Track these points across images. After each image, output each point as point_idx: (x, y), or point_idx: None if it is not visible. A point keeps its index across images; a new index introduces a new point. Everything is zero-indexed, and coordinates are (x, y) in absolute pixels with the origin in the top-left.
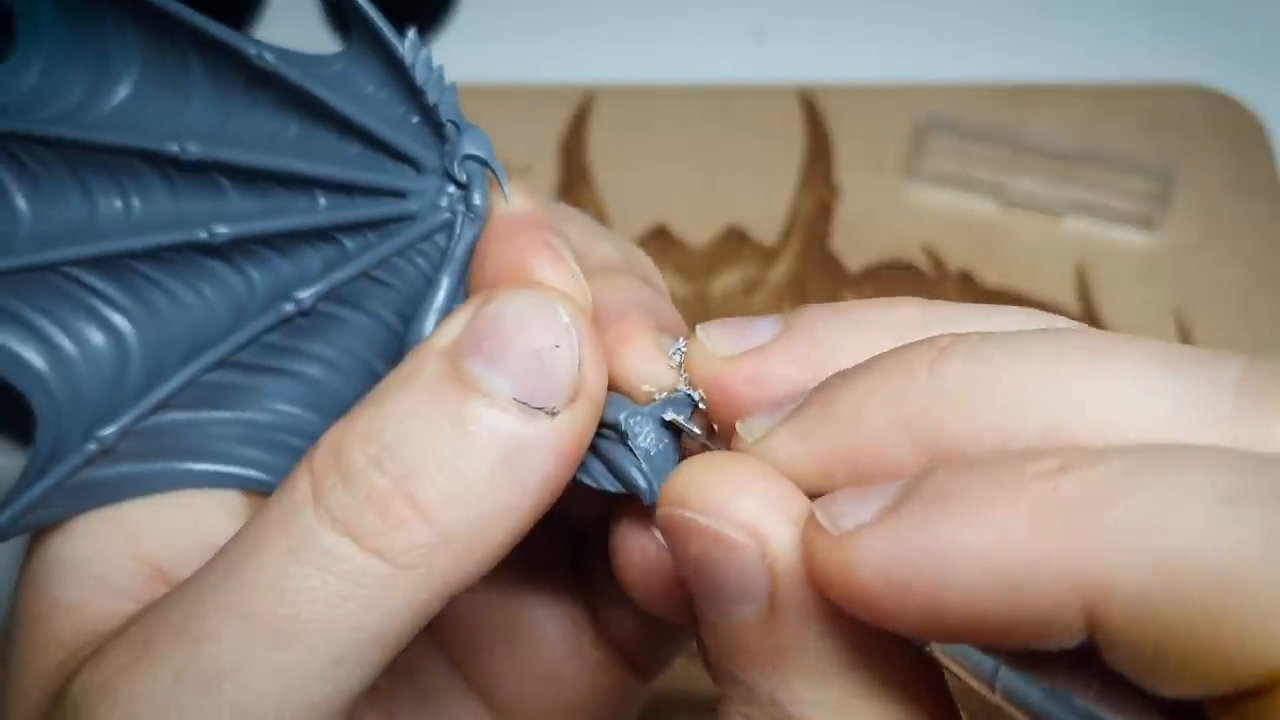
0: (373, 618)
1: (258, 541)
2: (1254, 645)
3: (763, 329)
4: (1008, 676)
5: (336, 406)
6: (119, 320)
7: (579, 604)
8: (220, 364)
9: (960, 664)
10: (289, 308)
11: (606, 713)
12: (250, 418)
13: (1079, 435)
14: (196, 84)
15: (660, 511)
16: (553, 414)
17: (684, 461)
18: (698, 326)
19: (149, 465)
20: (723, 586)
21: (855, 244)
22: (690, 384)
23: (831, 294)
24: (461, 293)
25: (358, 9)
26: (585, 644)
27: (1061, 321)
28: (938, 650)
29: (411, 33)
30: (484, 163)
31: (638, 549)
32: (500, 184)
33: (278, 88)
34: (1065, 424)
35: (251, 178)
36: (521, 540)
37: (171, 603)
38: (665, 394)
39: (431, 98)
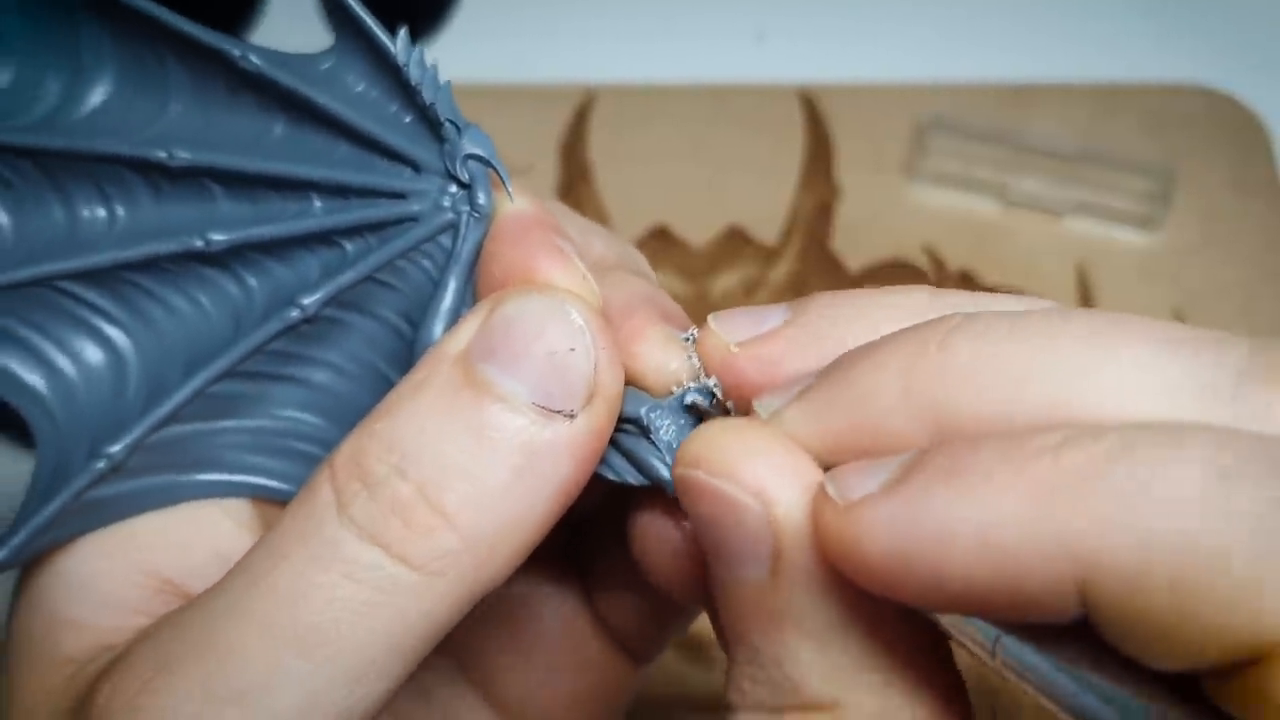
0: (398, 626)
1: (279, 552)
2: (1240, 618)
3: (773, 316)
4: (1009, 644)
5: (345, 411)
6: (115, 334)
7: (576, 594)
8: (227, 373)
9: (961, 631)
10: (294, 314)
11: (605, 700)
12: (258, 425)
13: (1082, 413)
14: (175, 86)
15: (675, 470)
16: (571, 416)
17: (702, 424)
18: (710, 316)
19: (158, 479)
20: (730, 546)
21: (856, 244)
22: (705, 374)
23: None
24: (469, 294)
25: (347, 8)
26: (584, 633)
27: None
28: (939, 617)
29: (403, 32)
30: (486, 162)
31: (658, 536)
32: (504, 183)
33: (263, 90)
34: (1069, 401)
35: (242, 182)
36: None
37: (191, 617)
38: (682, 387)
39: (427, 97)
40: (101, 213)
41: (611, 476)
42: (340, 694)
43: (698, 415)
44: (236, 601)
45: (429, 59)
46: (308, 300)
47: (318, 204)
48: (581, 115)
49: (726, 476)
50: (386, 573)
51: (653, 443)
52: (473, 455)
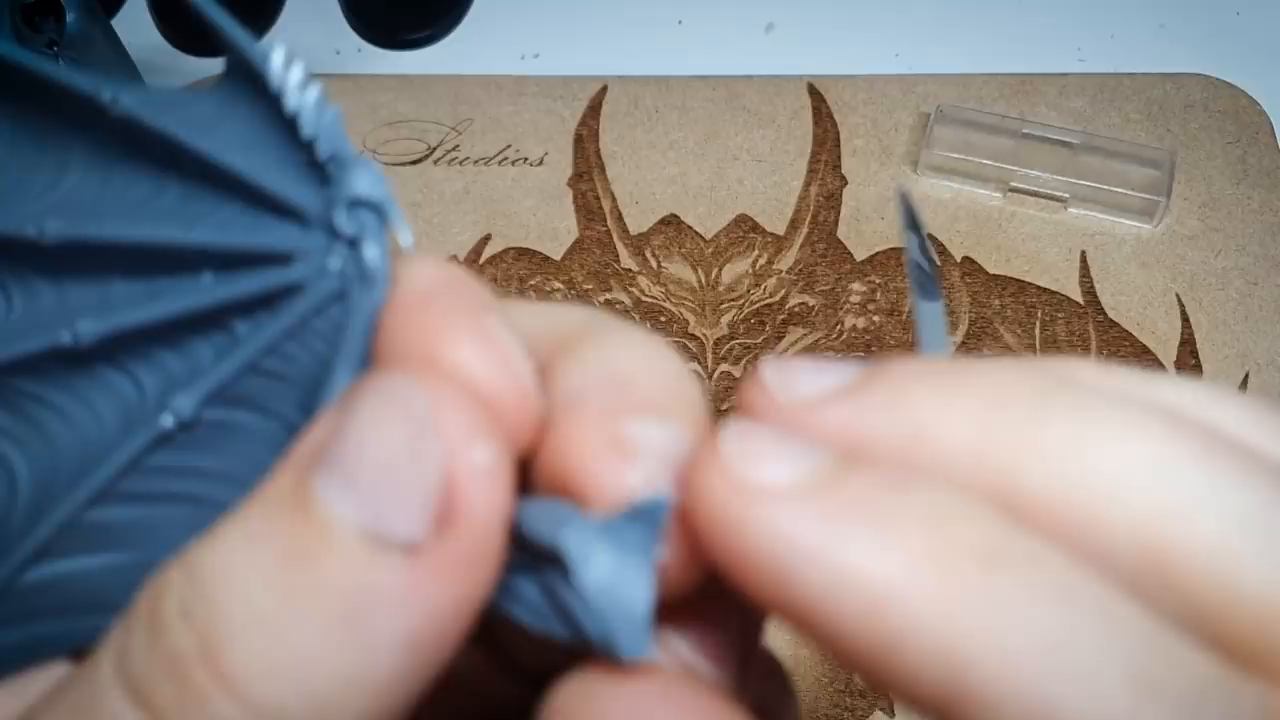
0: None
1: (47, 706)
2: None
3: (839, 375)
4: None
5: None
6: (2, 446)
7: None
8: (101, 498)
9: None
10: (167, 422)
11: None
12: (146, 559)
13: (1176, 546)
14: (73, 150)
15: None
16: (413, 549)
17: (568, 681)
18: (763, 362)
19: (31, 630)
20: None
21: (861, 233)
22: (658, 485)
23: (839, 281)
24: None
25: (210, 21)
26: None
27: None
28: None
29: (279, 49)
30: (376, 208)
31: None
32: (397, 230)
33: (146, 141)
34: (1163, 529)
35: (128, 257)
36: (457, 694)
37: None
38: (631, 501)
39: (307, 131)
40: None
41: (529, 621)
42: None
43: (648, 542)
44: None
45: (312, 84)
46: (181, 402)
47: (207, 277)
48: (594, 107)
49: None
50: None
51: (571, 586)
52: (273, 599)
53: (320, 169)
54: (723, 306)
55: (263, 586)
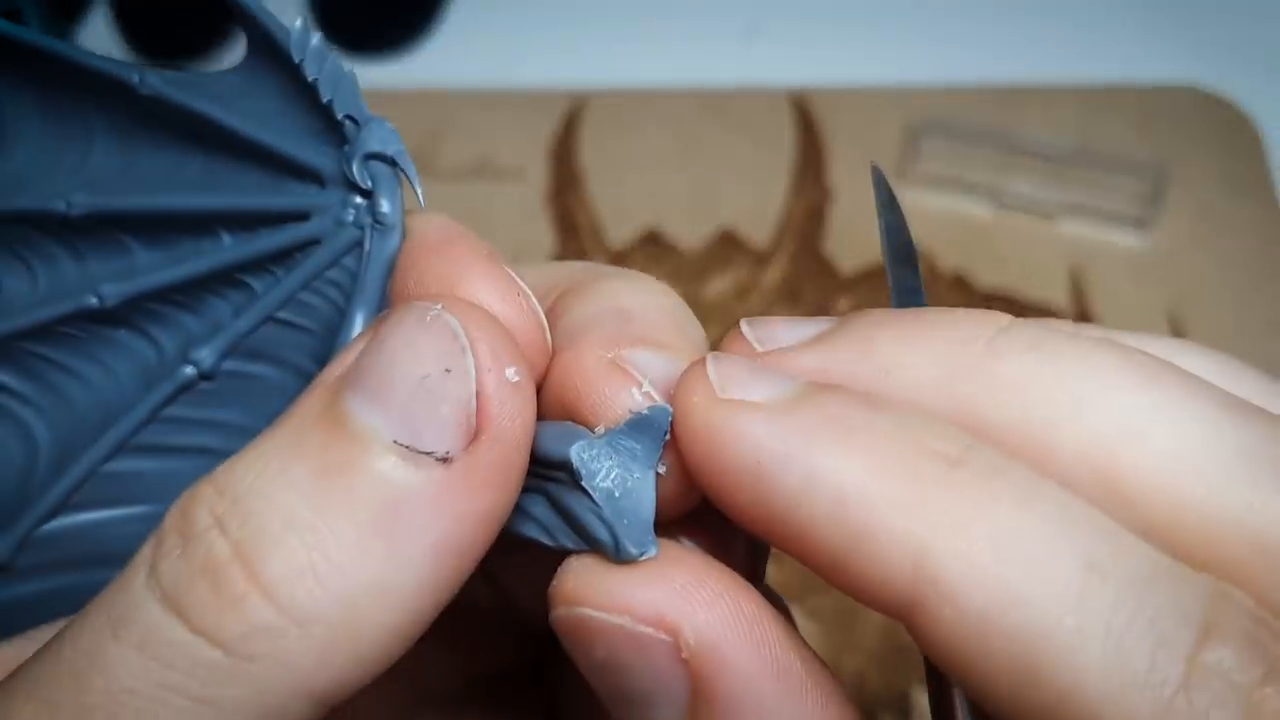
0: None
1: (82, 616)
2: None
3: (812, 328)
4: None
5: None
6: (22, 412)
7: None
8: (120, 449)
9: None
10: (188, 372)
11: None
12: (163, 511)
13: (1125, 463)
14: (96, 130)
15: (553, 613)
16: (445, 459)
17: (572, 558)
18: (743, 320)
19: (52, 581)
20: (632, 691)
21: (848, 247)
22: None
23: (825, 297)
24: None
25: (235, 3)
26: None
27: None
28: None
29: (299, 22)
30: (391, 161)
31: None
32: (412, 183)
33: (171, 118)
34: (1116, 450)
35: (151, 227)
36: (466, 644)
37: None
38: (632, 414)
39: (325, 93)
40: (25, 279)
41: (541, 539)
42: None
43: (650, 453)
44: (26, 672)
45: (328, 50)
46: (202, 354)
47: (226, 240)
48: (572, 120)
49: (617, 610)
50: (185, 649)
51: (586, 493)
52: (310, 506)
53: (338, 129)
54: (705, 324)
55: (300, 498)
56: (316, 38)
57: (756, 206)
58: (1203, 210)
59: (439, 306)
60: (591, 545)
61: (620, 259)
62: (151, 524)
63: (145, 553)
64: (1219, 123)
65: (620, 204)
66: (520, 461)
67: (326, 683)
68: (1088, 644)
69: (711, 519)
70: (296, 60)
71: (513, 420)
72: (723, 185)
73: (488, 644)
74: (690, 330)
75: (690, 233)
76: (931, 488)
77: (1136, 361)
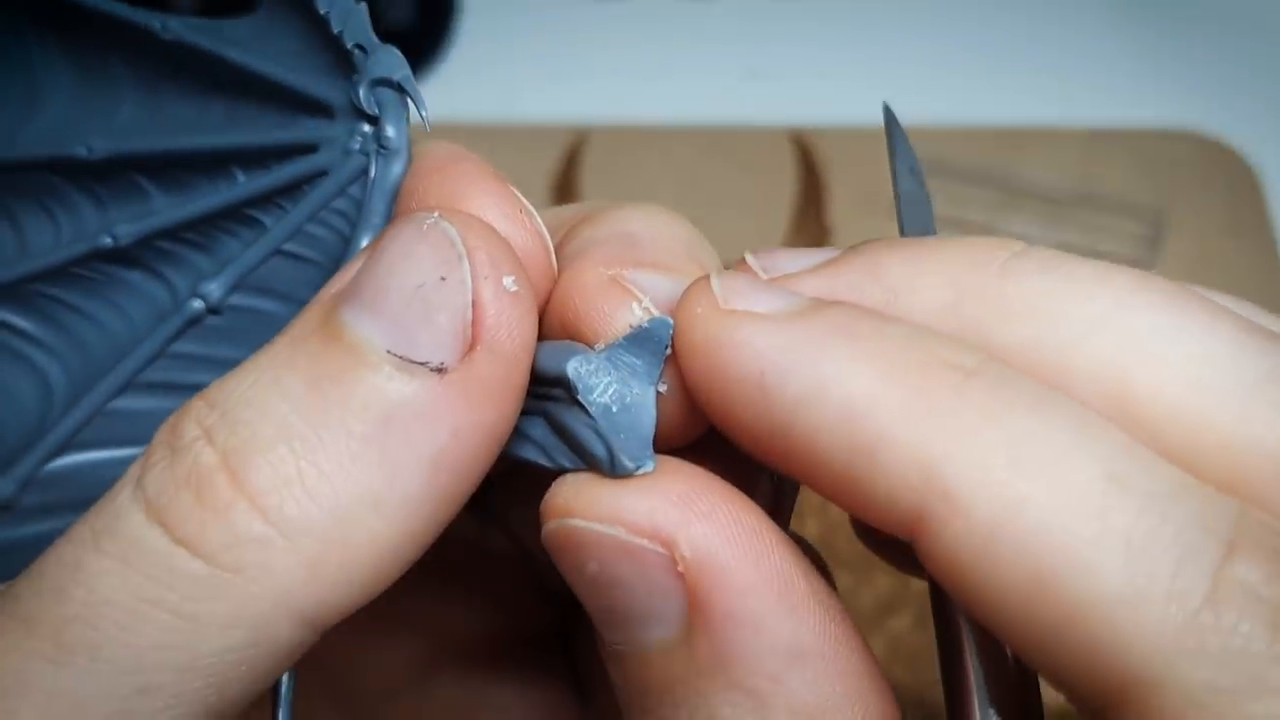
0: (186, 636)
1: (67, 533)
2: (1109, 658)
3: (818, 256)
4: None
5: None
6: (36, 355)
7: (560, 689)
8: (128, 387)
9: None
10: (196, 306)
11: None
12: None
13: (1141, 385)
14: (123, 81)
15: (545, 527)
16: (440, 369)
17: (567, 474)
18: (748, 251)
19: (54, 522)
20: (626, 609)
21: None
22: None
23: None
24: None
25: None
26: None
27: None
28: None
29: None
30: (398, 87)
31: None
32: (418, 107)
33: (195, 64)
34: (1130, 371)
35: (169, 170)
36: (487, 600)
37: None
38: (632, 328)
39: (336, 25)
40: (48, 228)
41: (542, 462)
42: (110, 715)
43: (650, 369)
44: (9, 589)
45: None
46: (210, 287)
47: (240, 178)
48: (573, 154)
49: (609, 520)
50: (167, 560)
51: (584, 408)
52: (301, 416)
53: (347, 59)
54: None
55: (292, 408)
56: None
57: (757, 243)
58: (1202, 254)
59: (436, 215)
60: (589, 463)
61: None
62: None
63: (133, 469)
64: (1218, 167)
65: None
66: (519, 377)
67: (315, 602)
68: (1107, 555)
69: (732, 459)
70: None
71: (510, 332)
72: (723, 222)
73: (510, 602)
74: (702, 256)
75: None
76: (943, 396)
77: (1156, 284)
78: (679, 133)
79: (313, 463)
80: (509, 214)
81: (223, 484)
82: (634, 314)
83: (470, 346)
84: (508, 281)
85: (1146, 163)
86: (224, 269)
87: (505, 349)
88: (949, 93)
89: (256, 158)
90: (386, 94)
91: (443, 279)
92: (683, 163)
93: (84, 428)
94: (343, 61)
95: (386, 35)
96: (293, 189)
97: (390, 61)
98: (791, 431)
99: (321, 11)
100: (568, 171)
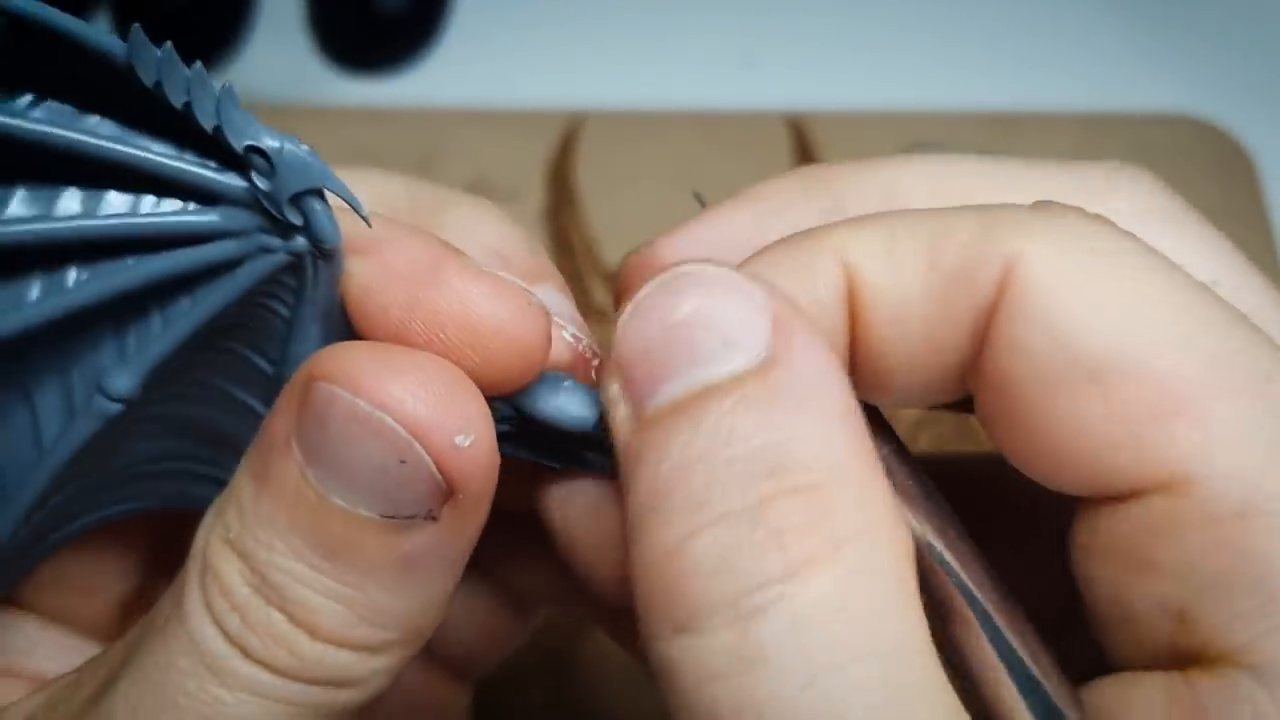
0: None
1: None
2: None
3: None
4: None
5: (205, 429)
6: None
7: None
8: (54, 490)
9: None
10: (112, 409)
11: None
12: (117, 466)
13: (1133, 366)
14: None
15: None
16: (432, 517)
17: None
18: (629, 255)
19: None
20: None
21: None
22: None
23: None
24: (333, 330)
25: (55, 27)
26: (419, 671)
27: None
28: None
29: (135, 29)
30: (319, 194)
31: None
32: (354, 207)
33: (56, 156)
34: (1133, 360)
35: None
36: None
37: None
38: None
39: (205, 121)
40: None
41: (549, 462)
42: None
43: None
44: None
45: (194, 66)
46: (119, 384)
47: (130, 259)
48: (569, 140)
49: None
50: (247, 679)
51: (561, 427)
52: (341, 581)
53: (228, 155)
54: None
55: (325, 581)
56: (166, 50)
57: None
58: None
59: (366, 405)
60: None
61: (617, 280)
62: (90, 491)
63: (207, 629)
64: (1214, 152)
65: (617, 224)
66: (493, 485)
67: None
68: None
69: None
70: (149, 84)
71: (479, 473)
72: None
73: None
74: (544, 258)
75: None
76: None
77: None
78: (675, 117)
79: (366, 609)
80: (513, 311)
81: (304, 641)
82: (563, 339)
83: (449, 494)
84: (462, 439)
85: (1141, 148)
86: (132, 363)
87: (478, 485)
88: (943, 77)
89: (146, 243)
90: (310, 202)
91: (402, 462)
92: (679, 148)
93: (45, 509)
94: (222, 154)
95: (380, 20)
96: (197, 278)
97: (300, 167)
98: None
99: (177, 106)
100: (563, 157)
